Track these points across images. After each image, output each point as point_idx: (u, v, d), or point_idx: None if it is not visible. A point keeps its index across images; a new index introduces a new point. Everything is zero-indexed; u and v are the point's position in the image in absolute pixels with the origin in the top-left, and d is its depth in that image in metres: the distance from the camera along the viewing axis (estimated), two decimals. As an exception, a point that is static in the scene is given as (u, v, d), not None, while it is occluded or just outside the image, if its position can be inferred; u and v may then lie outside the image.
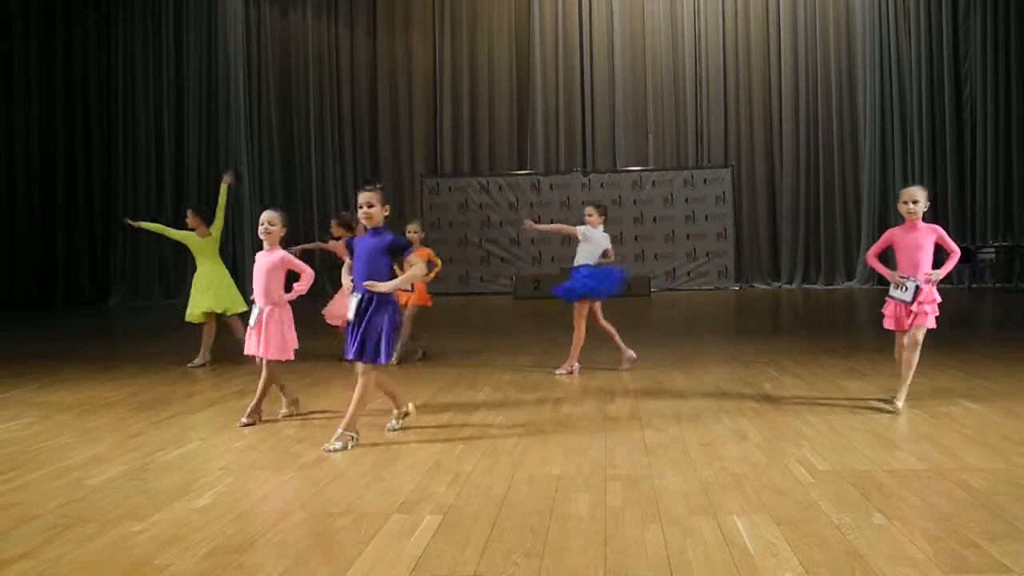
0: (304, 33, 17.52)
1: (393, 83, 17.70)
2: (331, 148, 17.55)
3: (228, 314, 7.58)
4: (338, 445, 4.35)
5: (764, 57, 17.05)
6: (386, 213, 4.51)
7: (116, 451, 4.46)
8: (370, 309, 4.38)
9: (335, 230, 7.32)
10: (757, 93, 17.05)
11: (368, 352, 4.37)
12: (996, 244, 14.80)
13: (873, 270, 5.33)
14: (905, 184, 5.59)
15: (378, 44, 17.73)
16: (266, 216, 5.15)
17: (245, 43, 16.91)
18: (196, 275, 7.73)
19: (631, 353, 6.90)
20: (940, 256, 5.06)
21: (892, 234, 5.16)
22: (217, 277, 7.63)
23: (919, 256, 4.99)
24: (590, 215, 7.02)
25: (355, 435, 4.45)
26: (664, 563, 2.77)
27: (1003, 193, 15.44)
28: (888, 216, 16.19)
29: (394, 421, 4.83)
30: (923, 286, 4.93)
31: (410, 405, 4.94)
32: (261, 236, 5.14)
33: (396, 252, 4.49)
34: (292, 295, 5.13)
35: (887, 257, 5.17)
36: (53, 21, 15.94)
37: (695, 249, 16.68)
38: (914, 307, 4.92)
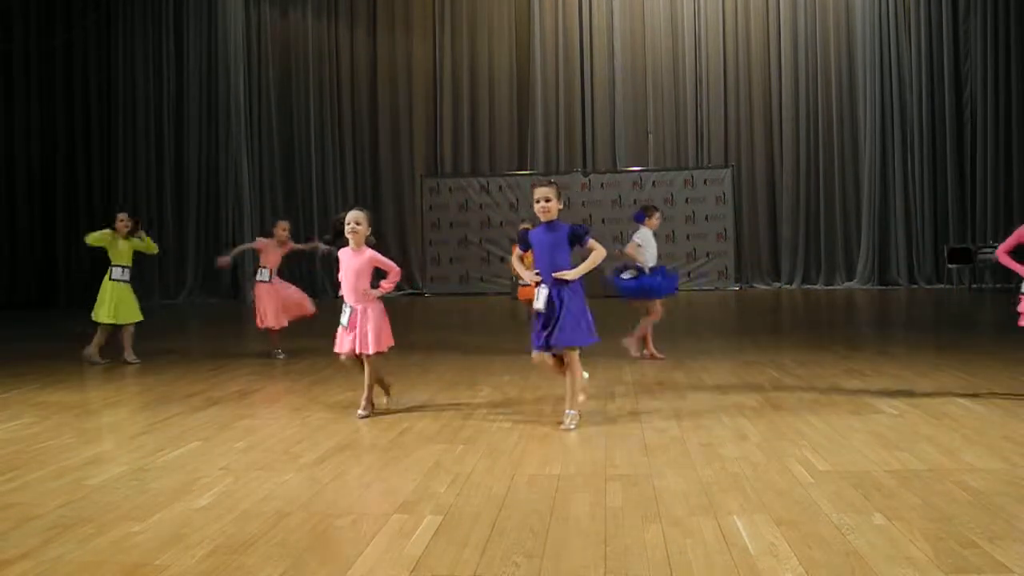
0: (304, 33, 17.53)
1: (393, 83, 17.70)
2: (331, 148, 17.55)
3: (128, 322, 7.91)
4: (571, 425, 4.69)
5: (764, 57, 17.05)
6: (560, 206, 4.81)
7: (116, 451, 4.46)
8: (564, 298, 4.65)
9: (281, 232, 7.96)
10: (757, 93, 17.05)
11: (575, 338, 4.63)
12: (996, 244, 14.78)
13: (1006, 267, 5.25)
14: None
15: (378, 44, 17.73)
16: (352, 216, 5.20)
17: (245, 43, 16.91)
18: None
19: (648, 353, 7.21)
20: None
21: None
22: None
23: None
24: (656, 217, 7.43)
25: (577, 412, 4.79)
26: (664, 563, 2.77)
27: (1003, 193, 15.45)
28: (888, 216, 16.21)
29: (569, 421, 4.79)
30: None
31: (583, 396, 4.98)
32: (348, 236, 5.18)
33: (576, 240, 4.76)
34: (379, 291, 5.21)
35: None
36: (53, 21, 15.94)
37: (695, 249, 16.68)
38: None
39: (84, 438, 4.78)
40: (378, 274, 5.28)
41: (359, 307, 5.12)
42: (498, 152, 17.68)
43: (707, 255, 16.64)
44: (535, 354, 4.81)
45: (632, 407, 5.33)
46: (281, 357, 7.83)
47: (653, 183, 16.88)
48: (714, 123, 17.13)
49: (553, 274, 4.69)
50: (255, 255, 8.54)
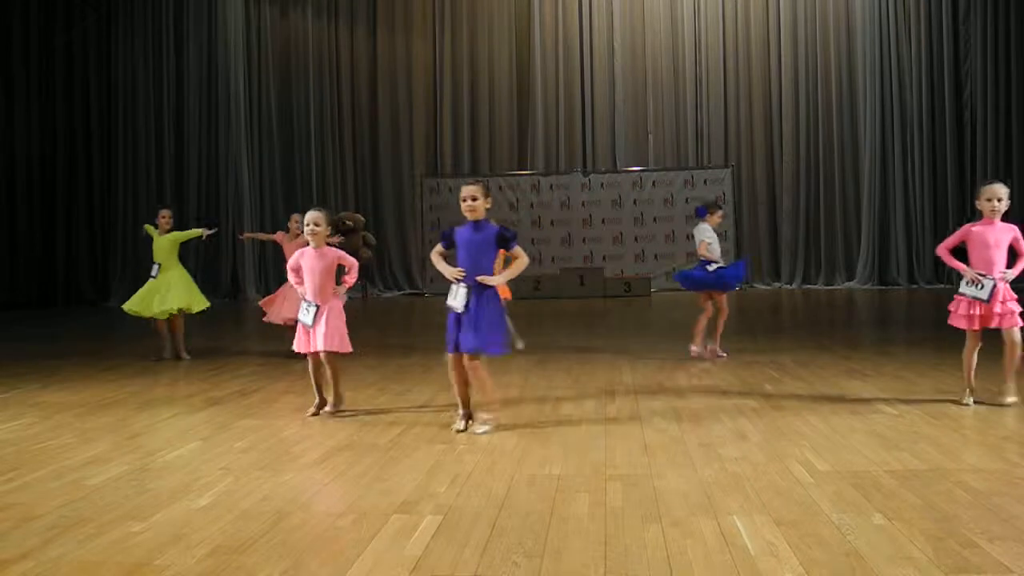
0: (304, 33, 17.52)
1: (393, 83, 17.70)
2: (331, 148, 17.54)
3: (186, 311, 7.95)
4: (482, 429, 4.63)
5: (764, 57, 17.05)
6: (488, 205, 4.69)
7: (116, 451, 4.46)
8: (481, 301, 4.55)
9: (294, 225, 7.82)
10: (757, 93, 17.05)
11: (486, 344, 4.53)
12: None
13: (945, 264, 5.28)
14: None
15: (378, 44, 17.72)
16: (311, 216, 5.19)
17: (245, 43, 16.91)
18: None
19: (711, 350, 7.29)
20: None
21: (968, 230, 5.08)
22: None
23: (995, 255, 4.94)
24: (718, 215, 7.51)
25: (493, 416, 4.74)
26: (664, 563, 2.77)
27: (1003, 193, 15.43)
28: (888, 216, 16.21)
29: (461, 422, 4.77)
30: (999, 284, 4.91)
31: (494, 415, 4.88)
32: (307, 237, 5.19)
33: (503, 244, 4.66)
34: (343, 288, 5.24)
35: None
36: (53, 21, 15.94)
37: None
38: (997, 308, 4.90)
39: (84, 438, 4.78)
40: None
41: (323, 306, 5.12)
42: (498, 152, 17.67)
43: (707, 255, 16.62)
44: (451, 359, 4.67)
45: (632, 407, 5.33)
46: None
47: (653, 183, 16.87)
48: (714, 123, 17.12)
49: (477, 277, 4.56)
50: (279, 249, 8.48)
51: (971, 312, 4.99)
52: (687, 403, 5.42)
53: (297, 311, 5.24)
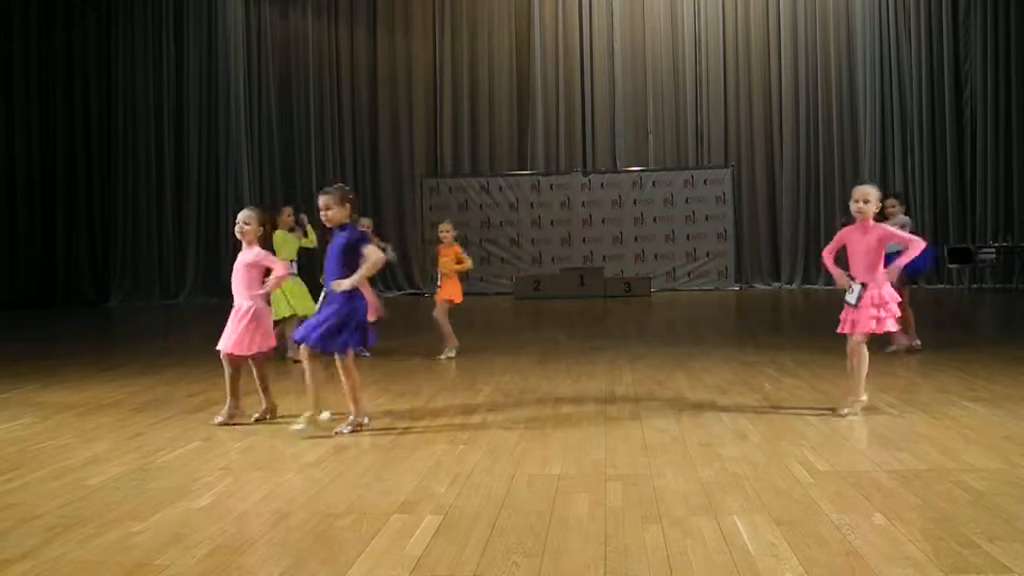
0: (304, 33, 17.53)
1: (393, 83, 17.70)
2: (331, 148, 17.55)
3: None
4: (299, 427, 4.69)
5: (764, 57, 17.06)
6: (346, 212, 4.78)
7: (116, 451, 4.46)
8: (330, 303, 4.69)
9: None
10: (757, 93, 17.06)
11: (326, 343, 4.63)
12: (996, 244, 14.80)
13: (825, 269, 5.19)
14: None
15: (378, 44, 17.73)
16: (242, 216, 5.23)
17: (245, 43, 16.92)
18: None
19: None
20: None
21: (845, 234, 5.02)
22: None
23: (870, 257, 4.88)
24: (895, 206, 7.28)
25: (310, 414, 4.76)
26: (664, 563, 2.77)
27: (1003, 194, 15.44)
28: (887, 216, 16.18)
29: (302, 425, 4.75)
30: (864, 291, 4.81)
31: (326, 414, 4.92)
32: (237, 235, 5.23)
33: (353, 247, 4.74)
34: (264, 290, 5.25)
35: (839, 259, 5.08)
36: (53, 21, 15.94)
37: (695, 249, 16.69)
38: (872, 311, 4.79)
39: (84, 438, 4.78)
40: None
41: (247, 304, 5.14)
42: (498, 152, 17.68)
43: (707, 255, 16.65)
44: (302, 349, 4.77)
45: (632, 407, 5.33)
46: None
47: (653, 183, 16.88)
48: (714, 123, 17.13)
49: (331, 283, 4.69)
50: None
51: (844, 317, 4.93)
52: (687, 403, 5.42)
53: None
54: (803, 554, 2.81)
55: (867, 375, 4.99)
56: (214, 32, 16.56)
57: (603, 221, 16.88)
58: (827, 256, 5.16)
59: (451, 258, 7.67)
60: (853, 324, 4.88)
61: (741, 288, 16.52)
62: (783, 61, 16.94)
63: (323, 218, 4.79)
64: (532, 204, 16.96)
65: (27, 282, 15.59)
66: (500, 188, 17.21)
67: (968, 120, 15.96)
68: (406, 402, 5.67)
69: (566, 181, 17.06)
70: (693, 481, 3.67)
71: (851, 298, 4.89)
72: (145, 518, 3.34)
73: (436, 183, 17.36)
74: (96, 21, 16.15)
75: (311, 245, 7.97)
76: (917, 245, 4.90)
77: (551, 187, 17.04)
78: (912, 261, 5.04)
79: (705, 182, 16.78)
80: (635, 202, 16.90)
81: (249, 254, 5.19)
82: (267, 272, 5.23)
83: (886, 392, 5.58)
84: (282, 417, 5.24)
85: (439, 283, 7.75)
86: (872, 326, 4.84)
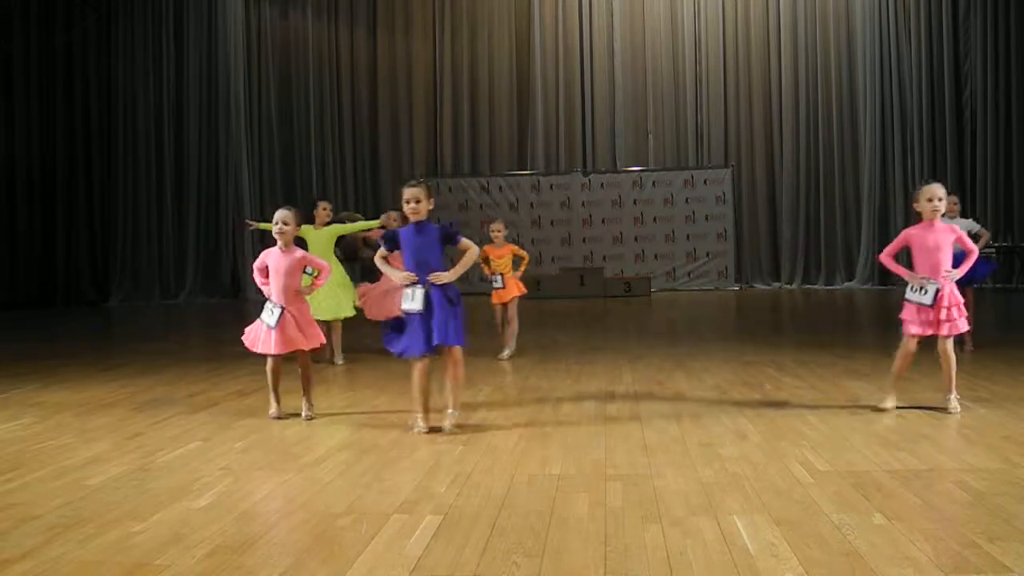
0: (304, 33, 17.53)
1: (393, 83, 17.70)
2: (331, 148, 17.55)
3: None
4: (448, 424, 4.70)
5: (764, 57, 17.06)
6: (430, 207, 4.73)
7: (116, 451, 4.46)
8: (443, 298, 4.57)
9: (392, 221, 7.49)
10: (757, 93, 17.05)
11: (451, 338, 4.56)
12: (996, 244, 14.79)
13: (888, 270, 5.18)
14: (915, 187, 5.47)
15: (378, 44, 17.73)
16: (280, 216, 5.17)
17: (245, 43, 16.91)
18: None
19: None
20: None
21: (908, 234, 5.01)
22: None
23: (939, 257, 4.86)
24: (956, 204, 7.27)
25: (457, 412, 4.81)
26: (664, 563, 2.77)
27: (1003, 194, 15.43)
28: (888, 216, 16.21)
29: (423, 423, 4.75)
30: (943, 289, 4.80)
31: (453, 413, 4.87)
32: (275, 236, 5.16)
33: (447, 240, 4.70)
34: (309, 291, 5.22)
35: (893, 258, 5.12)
36: (53, 21, 15.94)
37: (695, 249, 16.68)
38: (943, 314, 4.79)
39: (84, 438, 4.78)
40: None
41: (289, 307, 5.07)
42: (498, 152, 17.68)
43: (707, 255, 16.64)
44: (420, 363, 4.66)
45: (632, 407, 5.33)
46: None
47: (653, 183, 16.88)
48: (714, 123, 17.13)
49: (428, 277, 4.59)
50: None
51: (918, 319, 4.89)
52: (687, 403, 5.42)
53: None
54: (803, 554, 2.81)
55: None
56: (214, 32, 16.56)
57: (603, 221, 16.88)
58: (888, 258, 5.16)
59: (508, 258, 7.64)
60: (938, 325, 4.82)
61: (741, 288, 16.52)
62: (783, 61, 16.93)
63: (410, 211, 4.67)
64: (532, 204, 16.95)
65: (27, 282, 15.59)
66: (500, 188, 17.21)
67: (968, 120, 15.96)
68: (406, 402, 5.66)
69: (566, 181, 17.05)
70: (693, 481, 3.67)
71: (927, 299, 4.82)
72: (145, 518, 3.34)
73: (436, 183, 17.33)
74: (96, 21, 16.15)
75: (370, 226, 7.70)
76: (974, 254, 4.98)
77: (551, 187, 17.03)
78: (972, 268, 5.09)
79: (705, 182, 16.77)
80: (635, 202, 16.90)
81: (291, 256, 5.13)
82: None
83: (886, 392, 5.57)
84: (291, 416, 5.23)
85: (502, 284, 7.60)
86: (961, 326, 4.86)
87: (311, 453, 4.34)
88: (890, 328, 10.63)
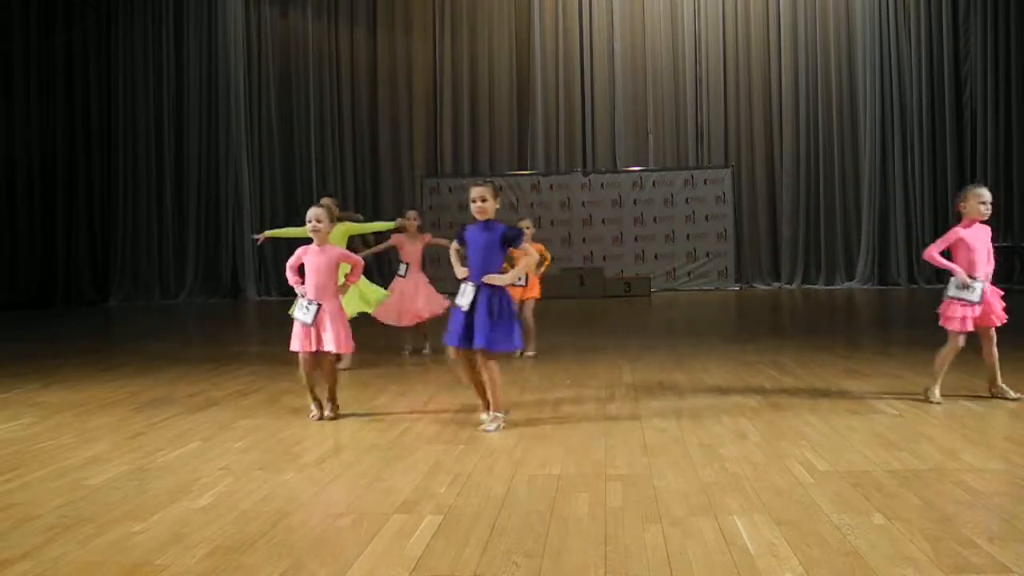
0: (304, 33, 17.52)
1: (393, 83, 17.69)
2: (331, 148, 17.54)
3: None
4: (492, 427, 4.69)
5: (764, 57, 17.05)
6: (498, 206, 4.76)
7: (116, 451, 4.46)
8: (490, 300, 4.61)
9: (411, 222, 7.63)
10: (757, 93, 17.04)
11: (499, 342, 4.59)
12: (996, 245, 14.74)
13: (933, 266, 5.36)
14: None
15: (378, 44, 17.72)
16: (313, 213, 5.13)
17: (245, 43, 16.92)
18: None
19: None
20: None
21: (957, 233, 5.18)
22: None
23: (979, 256, 5.12)
24: None
25: (504, 413, 4.85)
26: (664, 563, 2.77)
27: (1003, 194, 15.40)
28: (888, 216, 16.21)
29: (490, 422, 4.78)
30: (987, 286, 5.09)
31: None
32: (310, 234, 5.13)
33: (510, 242, 4.72)
34: (345, 288, 5.22)
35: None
36: (53, 21, 15.95)
37: (695, 249, 16.68)
38: (997, 307, 5.09)
39: (84, 438, 4.78)
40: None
41: (326, 305, 5.04)
42: (498, 152, 17.67)
43: (707, 255, 16.64)
44: (451, 350, 4.76)
45: (632, 407, 5.33)
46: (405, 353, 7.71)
47: (653, 183, 16.87)
48: (714, 123, 17.12)
49: (483, 277, 4.63)
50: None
51: (964, 315, 5.08)
52: (687, 403, 5.42)
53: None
54: (803, 554, 2.81)
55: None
56: (214, 32, 16.56)
57: (603, 221, 16.87)
58: (935, 255, 5.23)
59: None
60: (991, 319, 5.13)
61: (741, 288, 16.52)
62: (783, 61, 16.92)
63: (476, 210, 4.69)
64: (532, 204, 16.93)
65: (27, 282, 15.59)
66: (500, 188, 17.16)
67: (968, 120, 15.96)
68: (406, 402, 5.67)
69: (566, 181, 17.05)
70: (693, 481, 3.67)
71: (975, 296, 5.05)
72: (145, 518, 3.34)
73: (436, 183, 17.35)
74: (96, 21, 16.15)
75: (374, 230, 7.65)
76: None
77: (551, 187, 17.03)
78: None
79: (705, 182, 16.77)
80: (635, 202, 16.89)
81: (327, 254, 5.10)
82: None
83: (886, 392, 5.57)
84: (347, 411, 5.24)
85: (525, 282, 7.49)
86: (1004, 317, 5.15)
87: (311, 453, 4.34)
88: (890, 328, 10.65)
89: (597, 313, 12.57)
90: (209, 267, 16.31)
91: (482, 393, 4.87)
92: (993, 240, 5.31)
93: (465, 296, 4.65)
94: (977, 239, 5.13)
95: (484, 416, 4.83)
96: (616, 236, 16.88)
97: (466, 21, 17.63)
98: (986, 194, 5.14)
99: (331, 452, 4.35)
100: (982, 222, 5.20)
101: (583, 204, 16.91)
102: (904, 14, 16.22)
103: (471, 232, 4.77)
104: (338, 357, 5.71)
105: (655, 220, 16.79)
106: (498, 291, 4.66)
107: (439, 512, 3.33)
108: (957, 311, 5.09)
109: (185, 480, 3.87)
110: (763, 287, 16.62)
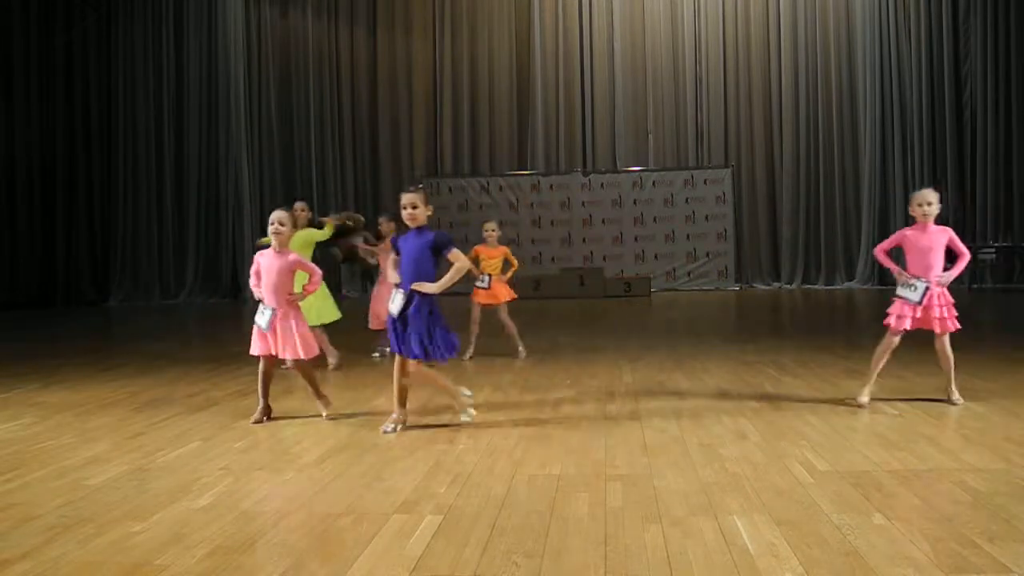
0: (304, 33, 17.53)
1: (393, 83, 17.70)
2: (331, 148, 17.54)
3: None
4: (390, 427, 4.75)
5: (764, 57, 17.05)
6: (429, 213, 4.74)
7: (116, 451, 4.46)
8: (419, 307, 4.61)
9: (385, 228, 7.53)
10: (757, 93, 17.05)
11: (416, 351, 4.60)
12: (996, 244, 14.80)
13: (880, 264, 5.39)
14: (916, 187, 5.63)
15: (378, 44, 17.73)
16: (276, 216, 5.13)
17: (245, 43, 16.91)
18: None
19: None
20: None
21: (903, 234, 5.24)
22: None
23: (930, 258, 5.10)
24: None
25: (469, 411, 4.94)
26: (664, 563, 2.77)
27: (1003, 193, 15.45)
28: (888, 216, 16.21)
29: (389, 424, 4.83)
30: (933, 288, 5.04)
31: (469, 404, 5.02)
32: (271, 236, 5.13)
33: (439, 250, 4.68)
34: (301, 296, 5.16)
35: (893, 257, 5.30)
36: (53, 21, 15.95)
37: (695, 249, 16.68)
38: (936, 312, 5.03)
39: (84, 438, 4.78)
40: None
41: (280, 311, 5.02)
42: (498, 152, 17.67)
43: (707, 255, 16.64)
44: (398, 360, 4.78)
45: (632, 407, 5.33)
46: (375, 357, 7.70)
47: (653, 183, 16.88)
48: (714, 123, 17.13)
49: (412, 285, 4.62)
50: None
51: (902, 313, 5.10)
52: (687, 403, 5.42)
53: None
54: (803, 554, 2.81)
55: (868, 375, 5.01)
56: (214, 32, 16.56)
57: (603, 221, 16.88)
58: (882, 253, 5.34)
59: (499, 260, 7.57)
60: (937, 323, 5.08)
61: (741, 288, 16.52)
62: (783, 61, 16.93)
63: (407, 216, 4.67)
64: (532, 204, 16.95)
65: (27, 282, 15.60)
66: (500, 188, 17.21)
67: (968, 120, 15.96)
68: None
69: (566, 181, 17.05)
70: (693, 481, 3.67)
71: (915, 295, 5.08)
72: (145, 518, 3.34)
73: (436, 183, 17.34)
74: (96, 21, 16.15)
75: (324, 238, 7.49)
76: (966, 257, 5.21)
77: (551, 187, 17.03)
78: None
79: (705, 182, 16.78)
80: (635, 202, 16.90)
81: (283, 258, 5.08)
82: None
83: (886, 392, 5.57)
84: (279, 418, 5.23)
85: (488, 284, 7.48)
86: (950, 325, 5.09)
87: (311, 453, 4.34)
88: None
89: (597, 313, 12.56)
90: (209, 267, 16.31)
91: (401, 398, 4.85)
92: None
93: (395, 303, 4.66)
94: (920, 240, 5.14)
95: (393, 417, 4.84)
96: (616, 236, 16.88)
97: (466, 21, 17.63)
98: (925, 196, 5.13)
99: (331, 452, 4.35)
100: (943, 225, 5.23)
101: (583, 204, 16.92)
102: (904, 14, 16.22)
103: (403, 240, 4.76)
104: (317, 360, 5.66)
105: (655, 220, 16.80)
106: (427, 299, 4.63)
107: (439, 512, 3.33)
108: (896, 309, 5.14)
109: (185, 480, 3.87)
110: (763, 287, 16.62)
